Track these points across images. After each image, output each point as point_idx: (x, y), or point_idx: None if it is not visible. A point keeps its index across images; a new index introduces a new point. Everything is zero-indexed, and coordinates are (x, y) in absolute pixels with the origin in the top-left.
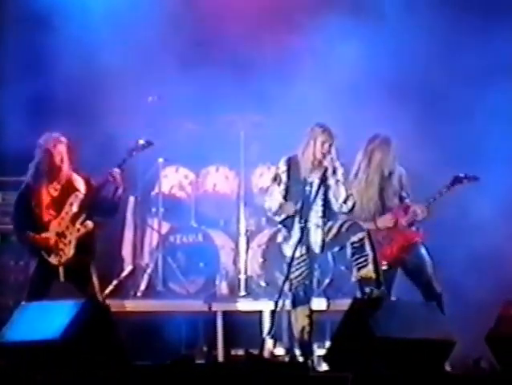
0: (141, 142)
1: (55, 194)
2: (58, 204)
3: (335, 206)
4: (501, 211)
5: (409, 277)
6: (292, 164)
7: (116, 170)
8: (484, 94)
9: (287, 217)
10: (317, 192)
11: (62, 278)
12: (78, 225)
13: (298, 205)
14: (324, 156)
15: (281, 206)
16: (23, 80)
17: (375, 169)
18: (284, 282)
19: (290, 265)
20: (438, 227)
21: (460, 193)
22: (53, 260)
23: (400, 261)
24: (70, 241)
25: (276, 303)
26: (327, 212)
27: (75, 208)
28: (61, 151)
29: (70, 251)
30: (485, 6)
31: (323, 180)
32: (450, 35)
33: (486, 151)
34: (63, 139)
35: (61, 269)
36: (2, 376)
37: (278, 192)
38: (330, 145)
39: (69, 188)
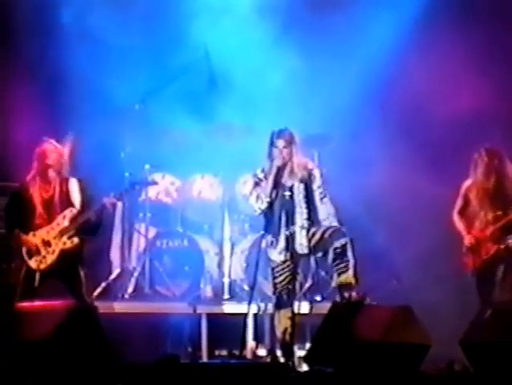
0: (148, 178)
1: (47, 197)
2: (51, 208)
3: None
4: None
5: None
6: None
7: (115, 200)
8: None
9: (270, 204)
10: (299, 195)
11: (36, 283)
12: (65, 239)
13: (279, 210)
14: (293, 161)
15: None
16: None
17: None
18: (253, 287)
19: (257, 265)
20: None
21: None
22: (32, 264)
23: (486, 272)
24: (54, 251)
25: (250, 300)
26: (312, 214)
27: (66, 223)
28: (54, 156)
29: (51, 260)
30: None
31: (305, 183)
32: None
33: None
34: (57, 144)
35: (37, 275)
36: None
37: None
38: (290, 149)
39: (63, 195)
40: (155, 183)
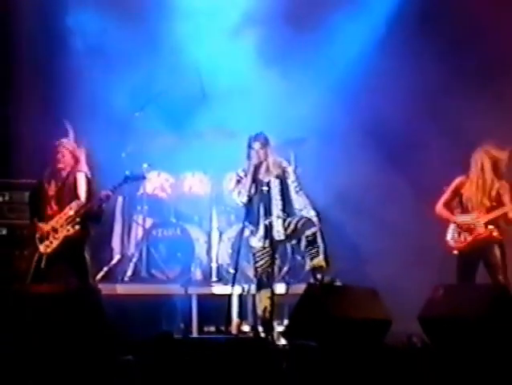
0: (139, 172)
1: (58, 191)
2: (61, 200)
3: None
4: None
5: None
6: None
7: (110, 193)
8: None
9: (250, 198)
10: (274, 189)
11: (43, 265)
12: (69, 227)
13: (257, 203)
14: (266, 160)
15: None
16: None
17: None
18: (236, 270)
19: (238, 252)
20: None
21: None
22: (41, 248)
23: (473, 252)
24: (59, 237)
25: (233, 282)
26: (287, 206)
27: (71, 213)
28: (66, 155)
29: (56, 244)
30: None
31: (281, 179)
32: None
33: None
34: (70, 143)
35: (44, 257)
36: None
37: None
38: (265, 150)
39: (71, 189)
40: (144, 177)
